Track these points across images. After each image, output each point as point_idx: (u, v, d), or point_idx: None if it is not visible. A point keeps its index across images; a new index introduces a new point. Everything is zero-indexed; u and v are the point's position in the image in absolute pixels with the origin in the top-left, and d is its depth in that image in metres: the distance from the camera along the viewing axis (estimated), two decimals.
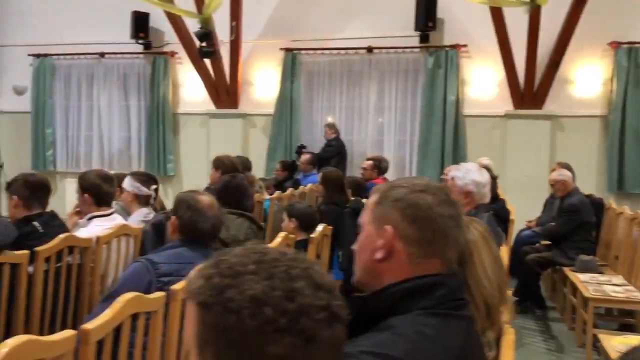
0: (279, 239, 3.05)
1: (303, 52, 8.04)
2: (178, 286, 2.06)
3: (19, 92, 9.23)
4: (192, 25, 7.67)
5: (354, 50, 7.88)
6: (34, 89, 9.02)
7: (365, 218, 1.28)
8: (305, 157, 7.04)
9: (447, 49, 7.55)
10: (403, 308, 1.15)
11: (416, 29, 7.50)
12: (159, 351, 1.99)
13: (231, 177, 3.24)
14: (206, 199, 2.43)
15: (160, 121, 8.49)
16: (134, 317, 1.85)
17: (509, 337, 1.49)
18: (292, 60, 8.02)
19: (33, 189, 2.96)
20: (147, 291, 2.07)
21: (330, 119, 7.98)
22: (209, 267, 0.81)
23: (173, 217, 2.39)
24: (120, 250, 3.16)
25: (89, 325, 1.62)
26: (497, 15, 6.87)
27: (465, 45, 7.54)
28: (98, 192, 3.16)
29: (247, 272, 0.78)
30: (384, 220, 1.22)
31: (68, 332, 1.54)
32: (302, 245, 3.26)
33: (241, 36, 7.89)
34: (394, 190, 1.25)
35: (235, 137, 8.19)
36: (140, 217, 3.48)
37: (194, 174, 7.93)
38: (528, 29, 6.83)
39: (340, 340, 0.80)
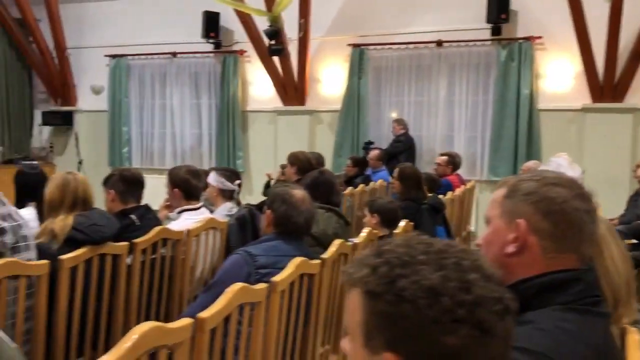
0: (363, 234, 3.05)
1: (371, 47, 8.00)
2: (278, 278, 2.11)
3: (97, 91, 9.68)
4: (261, 24, 7.78)
5: (423, 45, 7.75)
6: (110, 88, 9.42)
7: (493, 212, 1.25)
8: (374, 152, 7.01)
9: (520, 41, 7.31)
10: (539, 303, 1.13)
11: (488, 21, 7.31)
12: (262, 341, 2.04)
13: (319, 173, 3.28)
14: (299, 193, 2.46)
15: (230, 118, 8.67)
16: (239, 308, 1.90)
17: (634, 337, 1.43)
18: (359, 55, 7.99)
19: (128, 184, 3.09)
20: (246, 282, 2.11)
21: (394, 115, 7.90)
22: (371, 256, 0.82)
23: (268, 211, 2.43)
24: (208, 243, 3.26)
25: (204, 314, 1.67)
26: (575, 5, 6.60)
27: (540, 37, 7.28)
28: (187, 186, 3.28)
29: (417, 262, 0.78)
30: (515, 214, 1.20)
31: (186, 320, 1.60)
32: None
33: (309, 33, 7.93)
34: (524, 184, 1.22)
35: (302, 134, 8.26)
36: (224, 211, 3.57)
37: (262, 170, 8.05)
38: (609, 18, 6.52)
39: (511, 333, 0.79)
